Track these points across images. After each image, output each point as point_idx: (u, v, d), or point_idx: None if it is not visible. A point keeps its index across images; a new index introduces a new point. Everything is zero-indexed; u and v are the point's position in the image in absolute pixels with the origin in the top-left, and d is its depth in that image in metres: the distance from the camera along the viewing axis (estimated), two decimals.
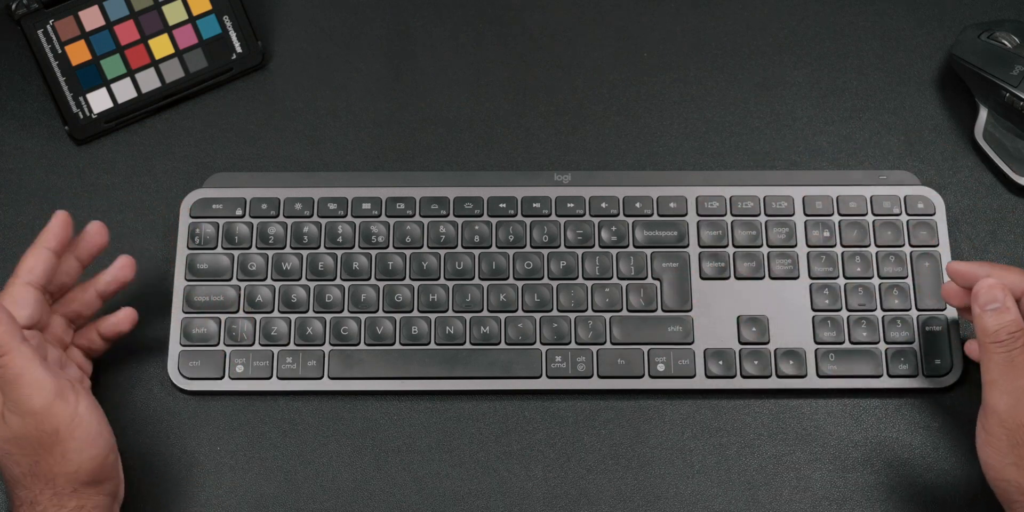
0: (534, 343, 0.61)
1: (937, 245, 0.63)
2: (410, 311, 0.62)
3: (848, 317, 0.61)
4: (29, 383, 0.52)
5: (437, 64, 0.69)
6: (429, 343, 0.61)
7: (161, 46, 0.67)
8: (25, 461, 0.52)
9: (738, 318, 0.61)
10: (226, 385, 0.60)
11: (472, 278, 0.62)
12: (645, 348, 0.61)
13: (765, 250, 0.63)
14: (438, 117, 0.68)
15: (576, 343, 0.61)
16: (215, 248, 0.63)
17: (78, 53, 0.66)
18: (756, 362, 0.61)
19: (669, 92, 0.69)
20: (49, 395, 0.52)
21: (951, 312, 0.61)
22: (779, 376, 0.60)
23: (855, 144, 0.67)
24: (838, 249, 0.63)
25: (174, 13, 0.67)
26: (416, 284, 0.62)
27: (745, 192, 0.64)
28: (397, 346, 0.61)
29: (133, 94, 0.67)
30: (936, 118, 0.68)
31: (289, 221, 0.63)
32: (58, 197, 0.66)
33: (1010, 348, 0.51)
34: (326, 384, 0.61)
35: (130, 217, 0.65)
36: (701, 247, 0.63)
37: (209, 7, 0.68)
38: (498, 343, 0.61)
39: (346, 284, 0.62)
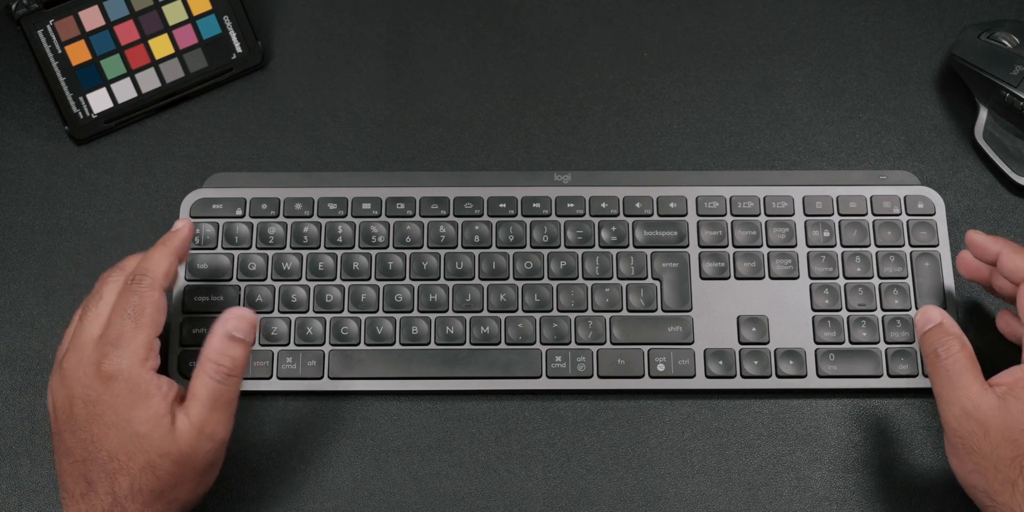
0: (534, 343, 0.61)
1: (937, 245, 0.63)
2: (410, 311, 0.62)
3: (848, 317, 0.61)
4: (231, 412, 0.52)
5: (437, 64, 0.69)
6: (429, 343, 0.61)
7: (161, 46, 0.67)
8: (167, 479, 0.50)
9: (738, 318, 0.61)
10: None
11: (472, 278, 0.62)
12: (645, 348, 0.61)
13: (765, 250, 0.63)
14: (438, 117, 0.68)
15: (576, 343, 0.61)
16: (215, 248, 0.63)
17: (78, 53, 0.66)
18: (756, 362, 0.61)
19: (669, 92, 0.69)
20: (230, 430, 0.52)
21: (951, 312, 0.61)
22: (779, 376, 0.60)
23: (855, 144, 0.67)
24: (838, 249, 0.63)
25: (174, 13, 0.67)
26: (416, 284, 0.62)
27: (745, 192, 0.64)
28: (397, 346, 0.61)
29: (133, 94, 0.67)
30: (936, 118, 0.68)
31: (289, 221, 0.63)
32: (58, 197, 0.66)
33: (943, 359, 0.53)
34: (326, 384, 0.61)
35: (130, 217, 0.65)
36: (701, 247, 0.63)
37: (209, 7, 0.68)
38: (498, 343, 0.61)
39: (346, 284, 0.62)
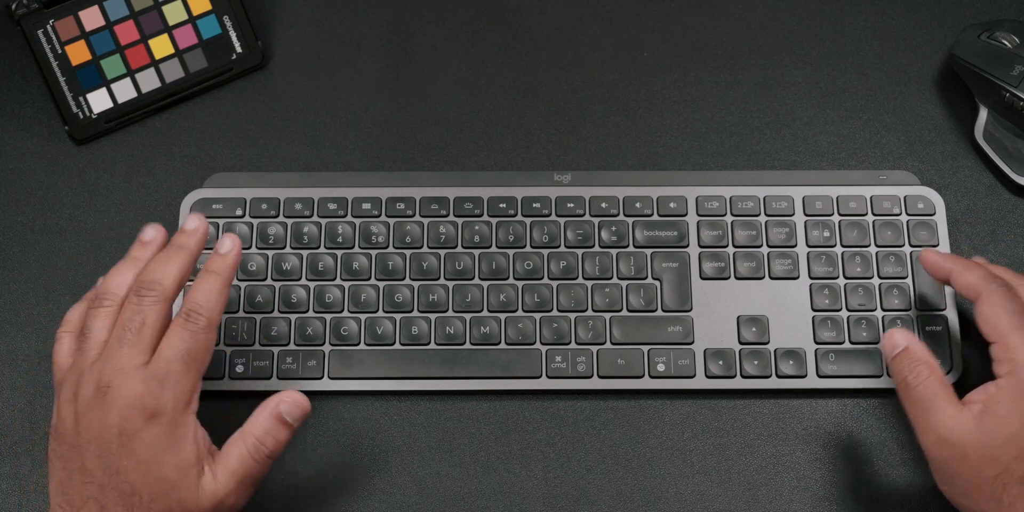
0: (534, 343, 0.61)
1: (937, 245, 0.63)
2: (410, 311, 0.62)
3: (848, 317, 0.61)
4: (254, 489, 0.52)
5: (437, 64, 0.69)
6: (429, 343, 0.61)
7: (161, 46, 0.67)
8: None
9: (738, 318, 0.61)
10: (226, 385, 0.60)
11: (472, 278, 0.62)
12: (645, 348, 0.61)
13: (765, 250, 0.63)
14: (438, 117, 0.68)
15: (576, 343, 0.61)
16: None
17: (78, 53, 0.66)
18: (756, 362, 0.61)
19: (669, 92, 0.69)
20: (245, 503, 0.52)
21: (951, 312, 0.61)
22: (779, 376, 0.60)
23: (855, 144, 0.67)
24: (838, 249, 0.63)
25: (174, 13, 0.67)
26: (416, 284, 0.62)
27: (745, 192, 0.64)
28: (397, 346, 0.61)
29: (133, 94, 0.67)
30: (936, 118, 0.68)
31: (289, 221, 0.63)
32: (58, 197, 0.66)
33: (913, 387, 0.52)
34: (326, 384, 0.61)
35: (130, 217, 0.65)
36: (701, 247, 0.63)
37: (209, 7, 0.68)
38: (498, 343, 0.61)
39: (346, 284, 0.62)
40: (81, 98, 0.66)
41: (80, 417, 0.50)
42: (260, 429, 0.51)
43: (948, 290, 0.62)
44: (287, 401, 0.51)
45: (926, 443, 0.52)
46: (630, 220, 0.64)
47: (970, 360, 0.61)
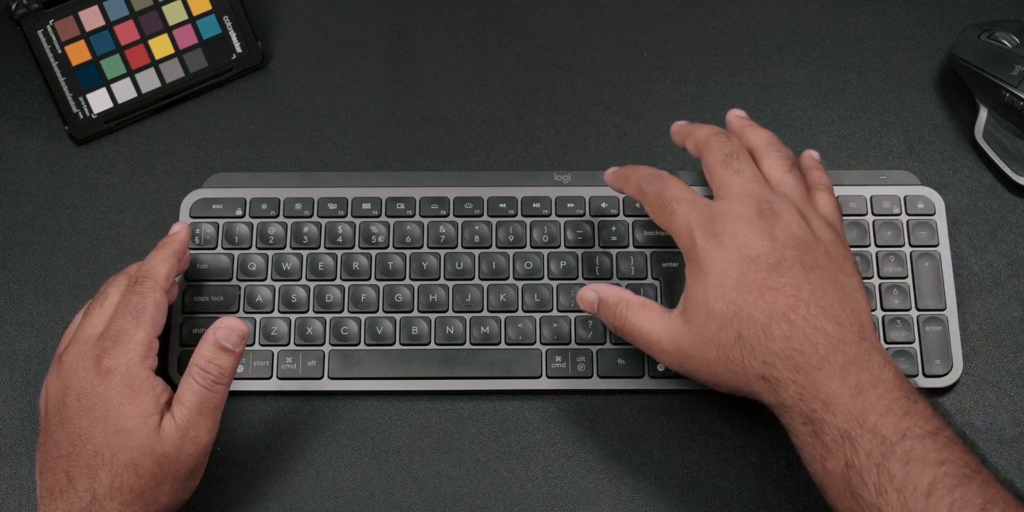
0: (534, 343, 0.61)
1: (937, 245, 0.63)
2: (410, 311, 0.62)
3: None
4: (216, 419, 0.53)
5: (437, 64, 0.69)
6: (429, 343, 0.61)
7: (161, 46, 0.67)
8: (147, 479, 0.51)
9: None
10: None
11: (472, 278, 0.62)
12: None
13: None
14: (438, 117, 0.68)
15: (576, 343, 0.61)
16: (215, 248, 0.63)
17: (78, 53, 0.66)
18: None
19: (669, 92, 0.69)
20: (213, 436, 0.53)
21: (951, 312, 0.61)
22: None
23: (855, 144, 0.67)
24: None
25: (174, 13, 0.67)
26: (416, 284, 0.62)
27: None
28: (397, 346, 0.61)
29: (133, 94, 0.67)
30: (936, 118, 0.68)
31: (289, 221, 0.63)
32: (58, 197, 0.66)
33: (622, 326, 0.55)
34: (326, 384, 0.61)
35: (130, 217, 0.65)
36: None
37: (209, 7, 0.68)
38: (498, 343, 0.61)
39: (346, 284, 0.62)
40: (81, 98, 0.66)
41: (49, 394, 0.53)
42: (203, 359, 0.53)
43: (948, 290, 0.62)
44: (222, 328, 0.53)
45: (667, 364, 0.54)
46: (630, 220, 0.64)
47: (970, 360, 0.61)
